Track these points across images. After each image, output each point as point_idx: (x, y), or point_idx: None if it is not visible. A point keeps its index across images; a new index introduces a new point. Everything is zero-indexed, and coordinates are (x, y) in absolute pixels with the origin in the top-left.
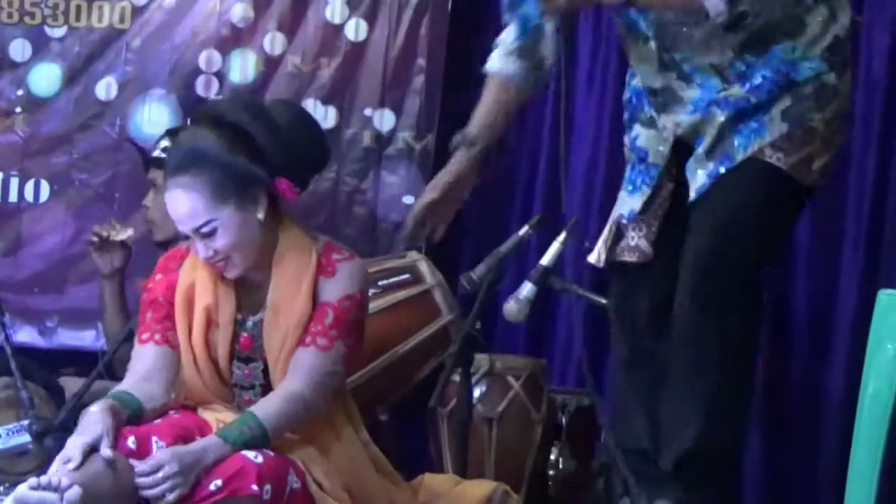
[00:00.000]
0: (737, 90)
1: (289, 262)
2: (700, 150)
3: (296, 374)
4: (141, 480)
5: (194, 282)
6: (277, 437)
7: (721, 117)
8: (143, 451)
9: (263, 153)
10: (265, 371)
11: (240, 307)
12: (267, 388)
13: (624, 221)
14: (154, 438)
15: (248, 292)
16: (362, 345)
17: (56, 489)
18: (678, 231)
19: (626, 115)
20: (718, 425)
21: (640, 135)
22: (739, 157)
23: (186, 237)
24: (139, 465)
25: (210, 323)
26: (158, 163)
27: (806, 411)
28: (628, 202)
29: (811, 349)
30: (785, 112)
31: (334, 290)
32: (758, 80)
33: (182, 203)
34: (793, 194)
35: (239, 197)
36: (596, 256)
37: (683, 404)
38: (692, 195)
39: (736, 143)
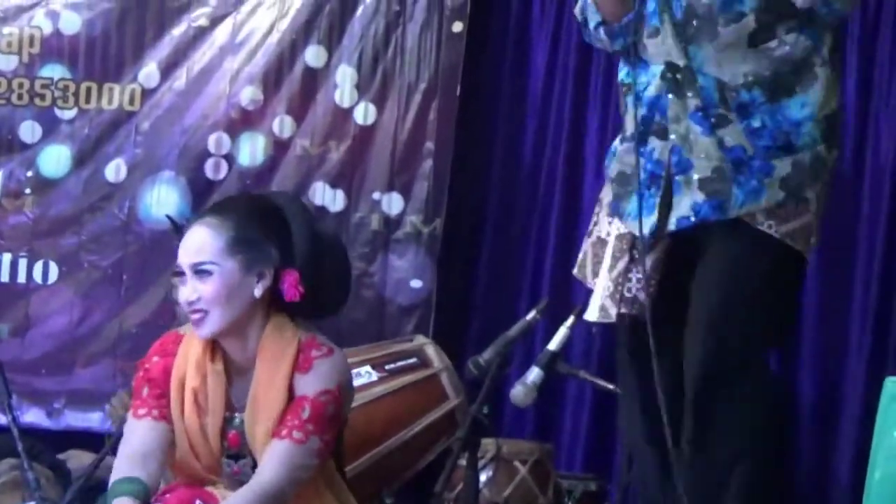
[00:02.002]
0: (734, 126)
1: (269, 355)
2: (693, 173)
3: (269, 465)
4: None
5: (186, 367)
6: None
7: (719, 153)
8: None
9: (290, 244)
10: (254, 467)
11: (229, 403)
12: None
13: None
14: None
15: (238, 383)
16: (337, 440)
17: None
18: (676, 291)
19: (635, 133)
20: None
21: (656, 147)
22: (733, 212)
23: None
24: None
25: (199, 405)
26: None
27: (813, 496)
28: (647, 224)
29: (818, 433)
30: (784, 181)
31: (310, 385)
32: (757, 122)
33: (197, 237)
34: (791, 265)
35: (247, 260)
36: (597, 312)
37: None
38: (672, 223)
39: (734, 194)
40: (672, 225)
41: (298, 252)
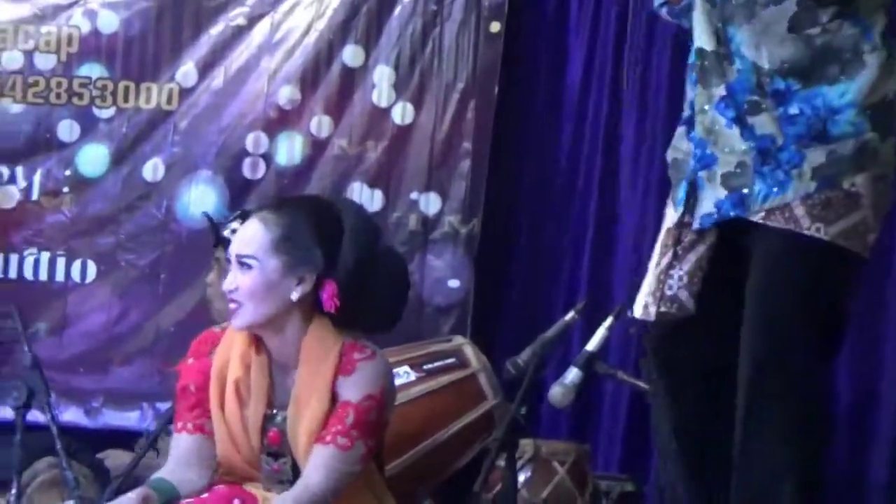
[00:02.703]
0: (767, 113)
1: (312, 356)
2: (716, 168)
3: (315, 471)
4: None
5: (227, 361)
6: None
7: (744, 146)
8: None
9: (337, 254)
10: (294, 466)
11: (270, 400)
12: (295, 482)
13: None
14: None
15: (280, 381)
16: (381, 444)
17: None
18: (720, 288)
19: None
20: None
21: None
22: (755, 207)
23: None
24: None
25: (240, 397)
26: (225, 242)
27: (848, 496)
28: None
29: (853, 433)
30: (816, 171)
31: (354, 390)
32: (794, 109)
33: (249, 230)
34: (846, 267)
35: (290, 262)
36: (642, 310)
37: None
38: (696, 221)
39: (756, 188)
40: (696, 223)
41: (342, 265)
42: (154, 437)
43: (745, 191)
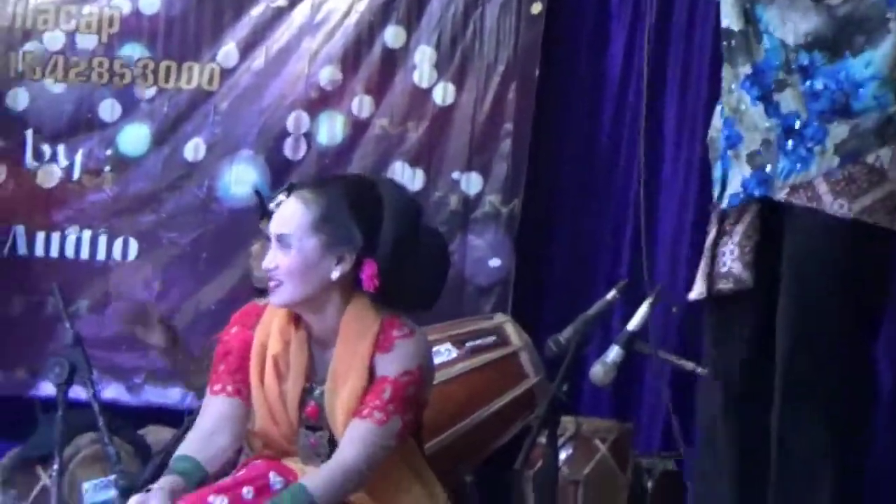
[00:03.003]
0: (792, 89)
1: (351, 333)
2: (741, 147)
3: (350, 445)
4: None
5: (269, 334)
6: None
7: (768, 123)
8: None
9: (378, 233)
10: (331, 440)
11: (309, 374)
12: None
13: (725, 206)
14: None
15: (320, 356)
16: (420, 421)
17: None
18: (773, 256)
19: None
20: None
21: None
22: (778, 184)
23: None
24: None
25: (279, 372)
26: (270, 215)
27: (889, 483)
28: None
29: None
30: (839, 147)
31: (392, 366)
32: (819, 84)
33: (288, 209)
34: (875, 244)
35: (329, 241)
36: (697, 290)
37: None
38: (725, 201)
39: (780, 165)
40: (725, 202)
41: (382, 245)
42: (195, 415)
43: (769, 169)
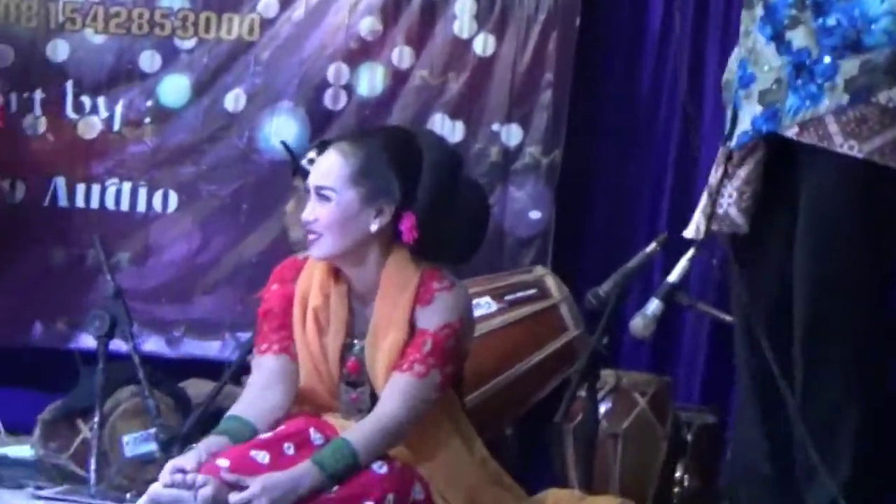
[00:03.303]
0: (805, 26)
1: (391, 286)
2: (754, 87)
3: (391, 399)
4: None
5: (310, 289)
6: (368, 463)
7: (779, 62)
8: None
9: (417, 185)
10: (372, 395)
11: (350, 329)
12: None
13: (733, 146)
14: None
15: (360, 311)
16: (461, 375)
17: (190, 487)
18: (779, 205)
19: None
20: (864, 476)
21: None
22: (787, 121)
23: None
24: (232, 498)
25: (319, 325)
26: (303, 172)
27: None
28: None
29: None
30: (849, 83)
31: (432, 319)
32: (832, 20)
33: (327, 160)
34: (889, 187)
35: (368, 193)
36: (693, 229)
37: (822, 453)
38: (734, 140)
39: (788, 102)
40: (733, 141)
41: (422, 196)
42: (235, 367)
43: (779, 106)
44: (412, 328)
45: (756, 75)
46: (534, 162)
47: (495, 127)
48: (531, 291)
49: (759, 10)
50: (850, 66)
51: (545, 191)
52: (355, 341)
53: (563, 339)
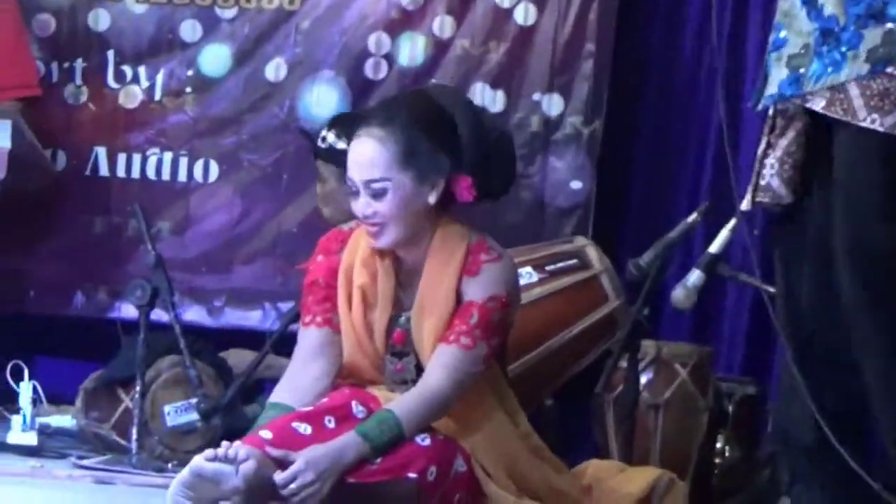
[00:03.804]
0: None
1: (439, 257)
2: (784, 50)
3: (436, 370)
4: (283, 492)
5: (354, 262)
6: (412, 435)
7: (809, 27)
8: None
9: (460, 147)
10: (417, 366)
11: (397, 301)
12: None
13: (760, 108)
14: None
15: (406, 282)
16: (505, 345)
17: (233, 461)
18: (820, 176)
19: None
20: None
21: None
22: (808, 86)
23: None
24: (278, 476)
25: (366, 303)
26: (325, 155)
27: None
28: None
29: None
30: (871, 52)
31: (479, 291)
32: None
33: (368, 151)
34: None
35: (420, 173)
36: (746, 201)
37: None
38: (760, 103)
39: (812, 67)
40: (759, 104)
41: (468, 157)
42: (276, 337)
43: (802, 70)
44: (459, 299)
45: (788, 39)
46: (575, 132)
47: (536, 97)
48: (572, 262)
49: None
50: (872, 36)
51: (586, 161)
52: (402, 313)
53: (604, 309)
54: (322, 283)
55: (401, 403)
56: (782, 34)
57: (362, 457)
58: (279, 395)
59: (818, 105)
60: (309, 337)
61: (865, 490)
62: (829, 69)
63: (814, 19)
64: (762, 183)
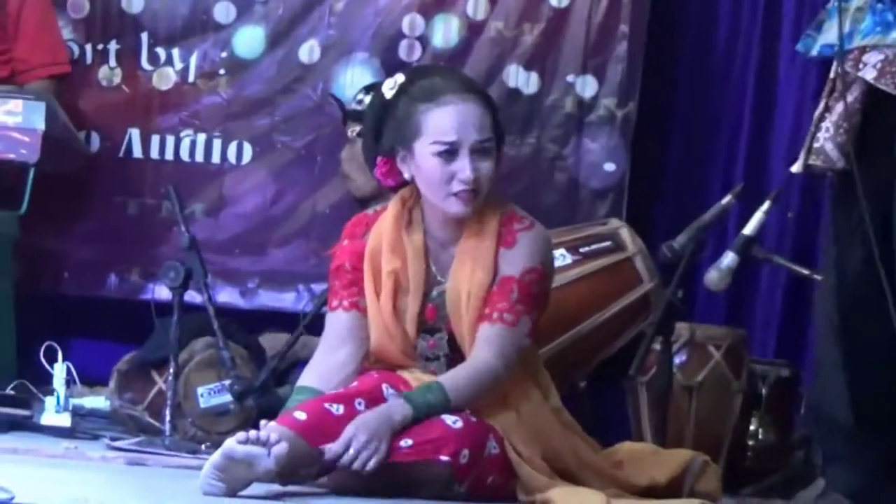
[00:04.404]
0: None
1: (474, 230)
2: (852, 4)
3: (483, 348)
4: (340, 463)
5: (380, 246)
6: (461, 407)
7: None
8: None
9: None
10: (450, 341)
11: (427, 276)
12: (452, 358)
13: (814, 54)
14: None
15: (438, 257)
16: (544, 315)
17: (265, 444)
18: (878, 146)
19: None
20: None
21: None
22: (855, 42)
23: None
24: (330, 448)
25: (398, 288)
26: (356, 115)
27: None
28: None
29: None
30: None
31: (516, 262)
32: None
33: (477, 112)
34: None
35: (500, 139)
36: (798, 164)
37: None
38: (815, 50)
39: (864, 23)
40: (814, 50)
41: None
42: (309, 319)
43: (857, 25)
44: (496, 271)
45: None
46: (608, 114)
47: (570, 78)
48: (606, 244)
49: None
50: None
51: (620, 142)
52: (434, 289)
53: (638, 291)
54: (348, 268)
55: (448, 375)
56: None
57: (408, 419)
58: (307, 379)
59: (869, 75)
60: (336, 321)
61: None
62: (878, 28)
63: None
64: (816, 146)
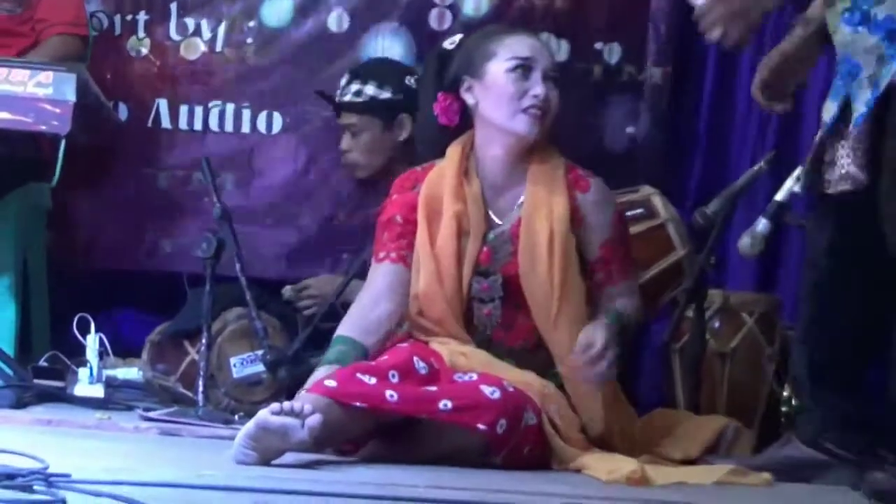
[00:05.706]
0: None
1: (542, 172)
2: (863, 75)
3: (624, 300)
4: (582, 361)
5: (440, 193)
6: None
7: (874, 39)
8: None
9: None
10: (503, 284)
11: (486, 219)
12: (505, 300)
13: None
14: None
15: (495, 201)
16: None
17: (298, 415)
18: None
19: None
20: None
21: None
22: (883, 82)
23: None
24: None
25: (460, 230)
26: (349, 107)
27: None
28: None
29: None
30: None
31: (602, 212)
32: None
33: (548, 48)
34: None
35: None
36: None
37: None
38: (852, 123)
39: (886, 67)
40: (852, 125)
41: None
42: (343, 287)
43: (879, 76)
44: (574, 210)
45: (861, 63)
46: (633, 80)
47: (598, 45)
48: (638, 211)
49: (842, 4)
50: None
51: (646, 110)
52: (490, 231)
53: (671, 258)
54: (399, 220)
55: (622, 304)
56: (854, 60)
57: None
58: (347, 328)
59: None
60: (382, 272)
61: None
62: None
63: (874, 30)
64: (842, 172)
